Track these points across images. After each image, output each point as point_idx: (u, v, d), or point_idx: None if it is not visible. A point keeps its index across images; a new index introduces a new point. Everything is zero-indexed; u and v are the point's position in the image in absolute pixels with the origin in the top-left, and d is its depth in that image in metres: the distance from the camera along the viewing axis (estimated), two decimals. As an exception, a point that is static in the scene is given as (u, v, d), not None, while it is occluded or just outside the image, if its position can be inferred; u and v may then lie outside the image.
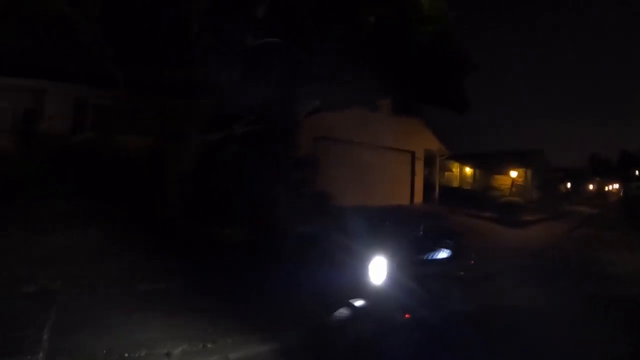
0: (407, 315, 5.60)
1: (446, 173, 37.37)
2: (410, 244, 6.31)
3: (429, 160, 25.98)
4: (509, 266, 11.86)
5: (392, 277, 5.40)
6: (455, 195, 28.01)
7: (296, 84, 14.21)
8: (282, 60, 13.20)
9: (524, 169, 39.42)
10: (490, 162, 37.31)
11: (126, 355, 4.75)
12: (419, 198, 23.97)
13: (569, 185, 64.65)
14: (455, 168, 38.28)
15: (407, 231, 6.98)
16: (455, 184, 36.87)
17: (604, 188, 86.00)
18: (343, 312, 5.45)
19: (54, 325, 5.24)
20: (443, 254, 6.41)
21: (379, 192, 20.90)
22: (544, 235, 18.75)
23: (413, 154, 23.73)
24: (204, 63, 11.87)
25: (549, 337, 6.42)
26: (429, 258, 6.32)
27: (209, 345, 5.17)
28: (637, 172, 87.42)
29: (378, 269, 5.38)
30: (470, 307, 6.98)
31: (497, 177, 37.30)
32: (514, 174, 30.37)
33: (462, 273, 6.73)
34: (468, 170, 39.53)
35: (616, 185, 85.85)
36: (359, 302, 5.44)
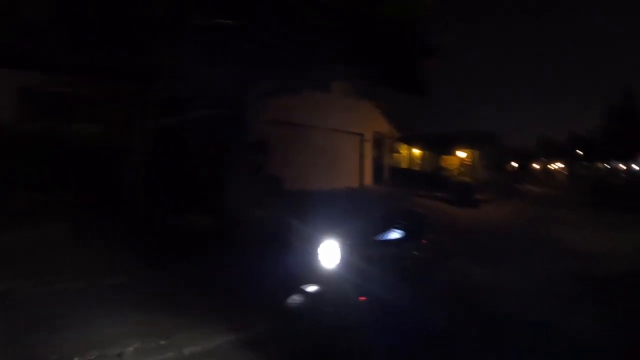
0: (362, 298, 5.46)
1: (395, 155, 38.29)
2: (363, 226, 6.28)
3: (380, 143, 26.73)
4: (467, 246, 12.36)
5: (345, 259, 5.28)
6: (405, 176, 28.78)
7: (250, 67, 14.37)
8: (236, 43, 13.24)
9: (474, 150, 40.77)
10: (440, 144, 38.47)
11: (76, 358, 4.63)
12: (368, 180, 24.53)
13: (517, 165, 66.91)
14: (404, 150, 39.19)
15: (360, 213, 7.17)
16: (404, 165, 37.75)
17: (553, 168, 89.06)
18: (296, 299, 5.36)
19: (1, 328, 5.11)
20: (395, 234, 6.42)
21: (331, 175, 21.18)
22: (498, 214, 19.75)
23: (362, 136, 24.32)
24: (155, 45, 11.89)
25: (509, 312, 6.62)
26: (382, 239, 6.31)
27: (162, 342, 5.10)
28: (582, 153, 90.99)
29: (329, 252, 5.27)
30: (429, 286, 6.99)
31: (446, 157, 38.55)
32: (462, 154, 31.43)
33: (416, 253, 6.73)
34: (417, 151, 40.53)
35: (563, 165, 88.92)
36: (311, 288, 5.34)
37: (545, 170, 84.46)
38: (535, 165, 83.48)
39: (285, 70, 14.80)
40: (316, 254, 5.25)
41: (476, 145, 40.88)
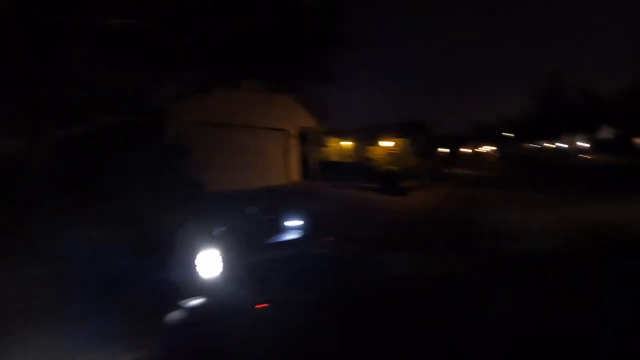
0: (260, 306, 5.03)
1: (325, 149, 38.43)
2: (253, 228, 5.98)
3: (306, 138, 26.72)
4: (394, 234, 12.36)
5: (230, 267, 4.88)
6: (334, 169, 28.94)
7: (158, 68, 14.04)
8: (141, 45, 12.90)
9: (404, 139, 41.43)
10: (369, 135, 38.96)
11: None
12: (296, 176, 24.52)
13: (448, 150, 68.42)
14: (336, 143, 39.44)
15: (249, 214, 6.39)
16: (336, 158, 37.96)
17: (483, 151, 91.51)
18: (175, 315, 4.79)
19: None
20: (293, 234, 6.13)
21: (257, 174, 21.24)
22: (427, 199, 20.08)
23: (287, 132, 24.23)
24: (58, 50, 11.50)
25: (434, 303, 6.53)
26: (279, 241, 5.98)
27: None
28: (512, 135, 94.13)
29: (210, 261, 4.80)
30: (343, 285, 6.41)
31: (374, 148, 39.04)
32: (389, 143, 31.82)
33: (322, 252, 6.35)
34: (348, 144, 40.87)
35: (493, 147, 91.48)
36: (193, 302, 4.79)
37: (475, 153, 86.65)
38: (465, 149, 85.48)
39: (194, 69, 14.54)
40: (196, 263, 4.79)
41: (405, 134, 41.58)
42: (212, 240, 5.00)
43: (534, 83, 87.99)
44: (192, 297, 4.82)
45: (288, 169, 24.28)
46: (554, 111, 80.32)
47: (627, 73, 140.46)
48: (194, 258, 4.76)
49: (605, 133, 71.20)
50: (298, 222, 6.29)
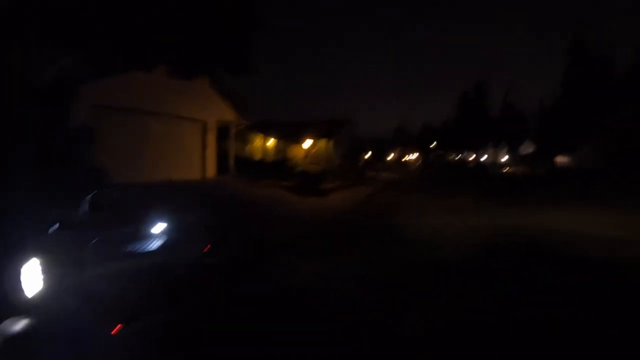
0: (115, 330, 4.12)
1: (248, 145, 37.73)
2: (112, 234, 5.13)
3: (226, 132, 25.87)
4: (300, 237, 11.51)
5: (60, 281, 3.96)
6: (255, 167, 28.33)
7: (53, 43, 13.10)
8: (34, 22, 11.98)
9: (326, 138, 41.20)
10: (292, 132, 38.39)
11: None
12: (211, 172, 23.47)
13: (370, 153, 69.21)
14: (259, 140, 38.78)
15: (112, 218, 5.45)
16: (259, 156, 37.39)
17: (405, 157, 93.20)
18: None
19: None
20: (156, 242, 5.37)
21: (168, 166, 20.23)
22: (344, 201, 19.49)
23: (205, 124, 23.26)
24: None
25: (337, 322, 5.51)
26: (137, 250, 5.20)
27: None
28: (435, 143, 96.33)
29: (34, 275, 3.80)
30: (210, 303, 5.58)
31: (296, 146, 38.57)
32: (307, 142, 31.30)
33: (198, 261, 5.87)
34: (272, 142, 40.25)
35: (416, 154, 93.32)
36: (11, 325, 3.71)
37: (399, 159, 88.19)
38: (391, 155, 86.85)
39: (96, 46, 13.63)
40: (17, 278, 3.70)
41: (329, 133, 41.37)
42: (44, 244, 4.00)
43: (462, 93, 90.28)
44: (15, 317, 3.72)
45: (204, 164, 23.32)
46: (479, 123, 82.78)
47: (547, 88, 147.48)
48: (19, 267, 3.67)
49: (527, 147, 74.47)
50: (164, 226, 5.50)
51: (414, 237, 11.49)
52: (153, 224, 5.50)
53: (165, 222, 5.57)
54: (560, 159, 57.32)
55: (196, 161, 22.91)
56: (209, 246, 5.93)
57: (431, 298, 6.55)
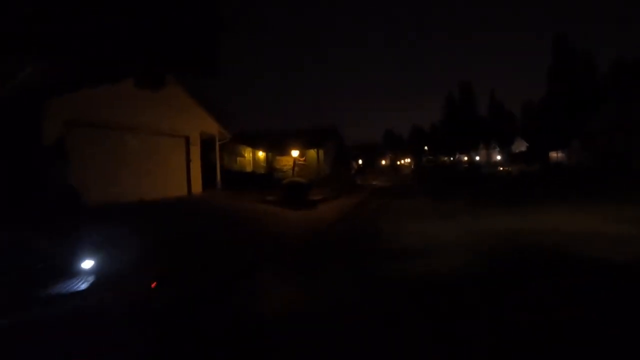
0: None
1: (238, 158, 36.94)
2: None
3: (210, 145, 25.05)
4: (279, 255, 10.51)
5: None
6: (243, 180, 27.49)
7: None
8: None
9: (315, 148, 40.50)
10: (279, 143, 37.52)
11: None
12: (197, 187, 22.59)
13: (360, 161, 68.55)
14: (248, 153, 38.00)
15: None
16: (247, 168, 36.58)
17: (397, 162, 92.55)
18: None
19: None
20: (79, 282, 4.35)
21: (152, 184, 19.34)
22: (331, 212, 18.64)
23: (187, 138, 22.39)
24: None
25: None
26: (53, 292, 4.22)
27: None
28: (426, 147, 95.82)
29: None
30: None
31: (282, 158, 37.78)
32: (295, 153, 30.24)
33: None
34: (261, 154, 39.46)
35: (408, 160, 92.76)
36: None
37: (392, 165, 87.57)
38: (383, 161, 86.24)
39: (54, 57, 12.85)
40: None
41: (318, 143, 40.68)
42: None
43: (448, 96, 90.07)
44: None
45: (189, 179, 22.45)
46: (468, 124, 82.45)
47: (533, 86, 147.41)
48: None
49: (519, 146, 74.19)
50: (92, 263, 4.43)
51: (404, 247, 10.48)
52: (86, 258, 4.47)
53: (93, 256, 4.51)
54: (554, 155, 56.97)
55: (180, 177, 22.06)
56: (153, 285, 4.90)
57: (415, 326, 5.61)
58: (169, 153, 21.26)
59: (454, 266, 8.46)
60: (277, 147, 37.95)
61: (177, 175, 21.80)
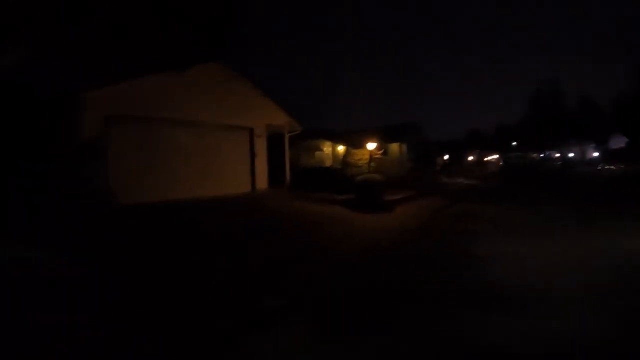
0: None
1: (316, 153, 34.38)
2: None
3: (279, 139, 22.40)
4: (328, 286, 7.32)
5: None
6: (315, 177, 24.39)
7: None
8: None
9: (397, 142, 37.37)
10: (356, 138, 34.20)
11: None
12: (262, 184, 20.13)
13: (446, 157, 64.74)
14: (327, 147, 35.27)
15: None
16: (328, 164, 33.67)
17: (484, 159, 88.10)
18: None
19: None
20: None
21: (210, 181, 17.26)
22: (409, 218, 15.11)
23: (252, 131, 20.00)
24: None
25: None
26: None
27: None
28: (514, 144, 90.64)
29: None
30: None
31: (357, 151, 34.10)
32: (371, 146, 26.71)
33: None
34: (341, 149, 36.38)
35: (496, 156, 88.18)
36: None
37: (479, 162, 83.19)
38: (470, 158, 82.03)
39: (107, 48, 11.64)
40: None
41: (398, 137, 37.50)
42: None
43: (530, 91, 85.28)
44: None
45: (253, 176, 19.95)
46: (556, 120, 77.19)
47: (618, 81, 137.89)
48: None
49: (617, 142, 67.79)
50: None
51: (501, 285, 6.87)
52: None
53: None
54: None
55: (244, 173, 19.59)
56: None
57: None
58: (230, 147, 18.90)
59: (591, 335, 4.88)
60: (355, 141, 34.63)
61: (238, 172, 19.37)
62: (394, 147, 37.42)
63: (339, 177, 24.06)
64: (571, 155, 79.13)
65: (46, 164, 13.03)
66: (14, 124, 12.90)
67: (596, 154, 76.64)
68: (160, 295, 6.35)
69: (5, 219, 10.31)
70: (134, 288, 6.67)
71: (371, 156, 28.10)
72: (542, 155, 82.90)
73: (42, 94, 13.40)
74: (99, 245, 9.21)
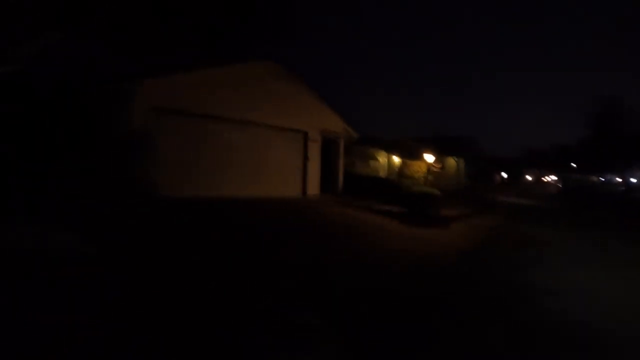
0: None
1: (371, 162, 33.48)
2: None
3: (333, 145, 21.65)
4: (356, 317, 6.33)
5: None
6: (370, 186, 23.43)
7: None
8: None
9: (453, 156, 36.19)
10: (411, 148, 33.01)
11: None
12: (314, 189, 19.44)
13: (504, 175, 62.92)
14: (382, 157, 34.31)
15: None
16: (382, 173, 32.71)
17: (542, 179, 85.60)
18: None
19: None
20: None
21: (257, 181, 16.80)
22: (463, 236, 13.92)
23: (305, 134, 19.29)
24: None
25: None
26: None
27: None
28: (573, 165, 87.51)
29: None
30: None
31: (413, 162, 32.89)
32: (429, 158, 25.47)
33: None
34: (396, 159, 35.33)
35: (554, 177, 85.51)
36: None
37: (537, 181, 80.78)
38: (527, 176, 79.73)
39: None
40: None
41: (455, 150, 36.27)
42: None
43: (587, 109, 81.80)
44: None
45: (304, 180, 19.26)
46: (618, 141, 73.62)
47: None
48: None
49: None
50: None
51: (568, 329, 5.75)
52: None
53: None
54: None
55: (295, 177, 18.94)
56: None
57: None
58: (281, 149, 18.33)
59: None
60: (410, 151, 33.49)
61: (290, 175, 18.79)
62: (451, 161, 36.27)
63: (394, 188, 23.05)
64: (634, 180, 75.52)
65: (93, 152, 12.73)
66: (63, 112, 12.66)
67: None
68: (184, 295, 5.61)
69: (51, 202, 10.00)
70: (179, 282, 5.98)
71: (428, 169, 27.04)
72: (602, 179, 79.66)
73: (90, 83, 13.15)
74: (152, 233, 8.85)
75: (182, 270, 6.77)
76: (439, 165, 31.82)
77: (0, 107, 11.32)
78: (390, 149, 34.66)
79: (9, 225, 7.67)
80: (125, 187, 11.79)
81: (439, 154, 31.14)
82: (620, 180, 77.09)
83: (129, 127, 12.62)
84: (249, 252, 8.48)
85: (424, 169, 28.30)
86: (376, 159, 33.64)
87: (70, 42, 11.24)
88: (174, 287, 6.01)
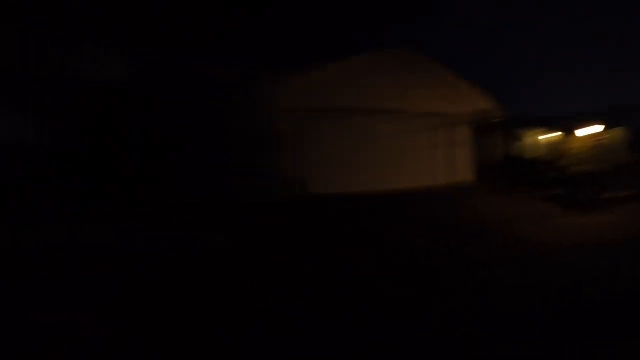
0: None
1: (524, 141, 31.79)
2: None
3: (484, 127, 20.70)
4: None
5: None
6: (521, 169, 22.12)
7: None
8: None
9: (614, 128, 33.04)
10: (571, 124, 30.70)
11: None
12: (465, 175, 18.80)
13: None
14: (536, 135, 32.46)
15: None
16: (539, 153, 30.89)
17: None
18: None
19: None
20: None
21: (403, 172, 16.60)
22: (625, 227, 10.57)
23: (450, 118, 18.57)
24: None
25: None
26: None
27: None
28: None
29: None
30: None
31: (573, 140, 30.47)
32: (587, 131, 22.98)
33: None
34: (550, 136, 33.13)
35: None
36: None
37: None
38: None
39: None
40: None
41: (615, 123, 33.15)
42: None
43: None
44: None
45: (453, 166, 18.63)
46: None
47: None
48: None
49: None
50: None
51: None
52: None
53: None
54: None
55: (442, 164, 18.41)
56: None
57: None
58: (426, 136, 17.84)
59: None
60: (566, 127, 31.21)
61: (436, 162, 18.37)
62: (617, 133, 33.27)
63: (553, 169, 21.58)
64: None
65: (239, 155, 13.27)
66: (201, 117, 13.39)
67: None
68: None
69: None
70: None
71: (587, 144, 24.89)
72: None
73: (226, 85, 13.75)
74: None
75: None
76: (600, 138, 29.20)
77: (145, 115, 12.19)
78: (542, 126, 32.69)
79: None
80: (276, 186, 12.26)
81: (604, 126, 28.71)
82: None
83: (274, 125, 13.08)
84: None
85: (582, 145, 26.18)
86: (529, 138, 31.93)
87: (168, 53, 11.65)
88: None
